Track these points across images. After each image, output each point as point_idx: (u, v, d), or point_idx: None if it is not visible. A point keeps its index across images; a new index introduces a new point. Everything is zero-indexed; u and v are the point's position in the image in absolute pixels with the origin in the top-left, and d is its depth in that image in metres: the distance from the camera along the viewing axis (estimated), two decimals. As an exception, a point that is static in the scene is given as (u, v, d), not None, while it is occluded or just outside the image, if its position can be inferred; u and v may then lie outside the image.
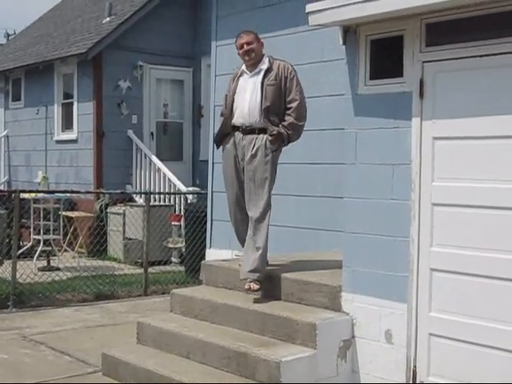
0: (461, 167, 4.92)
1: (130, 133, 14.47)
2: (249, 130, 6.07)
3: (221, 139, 6.32)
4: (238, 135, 6.13)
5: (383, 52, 5.42)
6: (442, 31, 5.00)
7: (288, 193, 8.38)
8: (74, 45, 14.99)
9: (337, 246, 6.40)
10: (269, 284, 6.07)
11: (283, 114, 6.07)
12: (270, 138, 6.01)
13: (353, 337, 5.53)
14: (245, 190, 6.11)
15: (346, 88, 5.63)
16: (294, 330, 5.41)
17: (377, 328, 5.39)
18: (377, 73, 5.44)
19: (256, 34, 6.28)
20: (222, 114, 6.48)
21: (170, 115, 15.38)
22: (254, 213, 6.01)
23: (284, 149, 8.20)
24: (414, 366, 5.19)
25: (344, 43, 5.64)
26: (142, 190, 13.63)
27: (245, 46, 6.14)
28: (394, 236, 5.28)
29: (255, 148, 6.03)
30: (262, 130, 6.04)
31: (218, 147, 6.50)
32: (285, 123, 6.04)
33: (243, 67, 6.28)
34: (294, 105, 6.04)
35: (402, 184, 5.23)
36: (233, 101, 6.20)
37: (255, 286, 5.91)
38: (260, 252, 5.95)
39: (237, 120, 6.15)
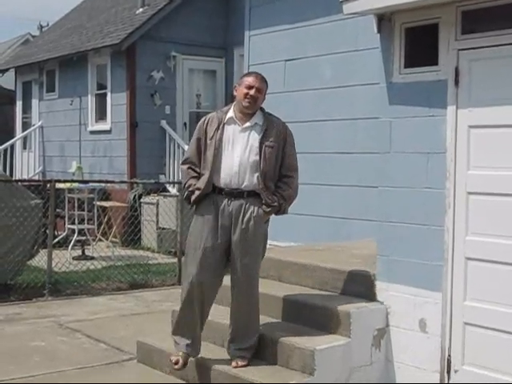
0: (497, 156, 4.88)
1: (163, 123, 14.51)
2: (236, 194, 5.14)
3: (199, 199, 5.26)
4: (222, 200, 5.16)
5: (418, 40, 5.39)
6: (479, 18, 4.96)
7: (321, 182, 8.37)
8: (108, 36, 15.07)
9: (370, 235, 6.39)
10: (304, 273, 6.10)
11: (277, 179, 5.24)
12: (266, 208, 5.15)
13: (387, 326, 5.53)
14: (232, 264, 5.33)
15: (381, 76, 5.60)
16: (328, 319, 5.41)
17: (411, 317, 5.39)
18: (412, 61, 5.41)
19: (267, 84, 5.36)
20: (189, 164, 5.34)
21: (202, 105, 15.40)
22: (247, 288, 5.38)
23: (316, 139, 8.30)
24: (449, 355, 5.17)
25: (378, 31, 5.61)
26: (176, 180, 13.69)
27: (254, 90, 5.16)
28: (429, 225, 5.26)
29: (246, 218, 5.13)
30: (251, 193, 5.15)
31: (190, 205, 5.38)
32: (284, 194, 5.21)
33: (231, 113, 5.26)
34: (294, 175, 5.27)
35: (437, 172, 5.20)
36: (216, 153, 5.19)
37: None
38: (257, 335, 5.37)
39: (222, 179, 5.17)
